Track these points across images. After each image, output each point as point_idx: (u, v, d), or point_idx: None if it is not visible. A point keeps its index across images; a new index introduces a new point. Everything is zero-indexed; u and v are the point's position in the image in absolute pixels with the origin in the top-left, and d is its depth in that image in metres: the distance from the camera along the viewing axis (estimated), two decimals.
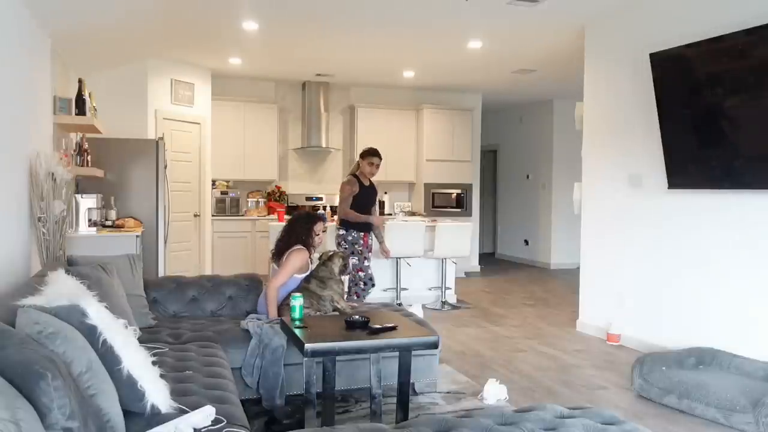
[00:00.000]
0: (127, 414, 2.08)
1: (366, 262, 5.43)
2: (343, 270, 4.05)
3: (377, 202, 5.68)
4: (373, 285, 5.48)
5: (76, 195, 4.85)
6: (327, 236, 6.54)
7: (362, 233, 5.42)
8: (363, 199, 5.41)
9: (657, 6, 5.05)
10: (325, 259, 4.04)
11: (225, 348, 3.40)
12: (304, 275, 4.02)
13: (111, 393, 1.97)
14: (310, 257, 4.08)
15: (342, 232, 5.46)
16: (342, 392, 3.68)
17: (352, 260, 5.23)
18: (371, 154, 5.40)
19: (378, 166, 5.40)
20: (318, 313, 3.81)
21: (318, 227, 4.10)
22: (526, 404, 2.89)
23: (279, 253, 4.06)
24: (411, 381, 3.36)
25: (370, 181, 5.50)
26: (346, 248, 5.39)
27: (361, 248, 5.38)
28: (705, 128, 4.52)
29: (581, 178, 6.05)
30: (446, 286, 7.21)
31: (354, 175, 5.46)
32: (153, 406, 2.15)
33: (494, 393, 3.88)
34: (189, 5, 5.36)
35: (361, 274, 5.39)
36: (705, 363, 4.15)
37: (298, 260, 3.94)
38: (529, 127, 10.99)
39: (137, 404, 2.14)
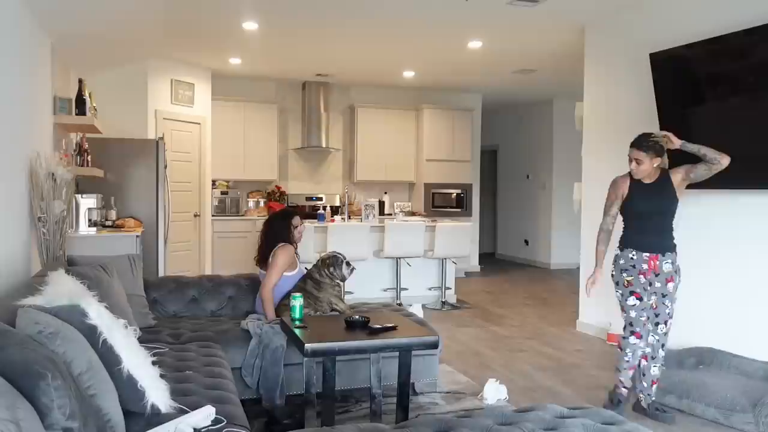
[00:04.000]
0: (127, 414, 2.08)
1: (631, 299, 3.63)
2: (330, 272, 3.92)
3: (664, 208, 3.67)
4: (634, 334, 3.65)
5: (76, 195, 4.85)
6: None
7: (645, 254, 3.64)
8: (639, 202, 3.69)
9: (657, 6, 5.06)
10: (317, 260, 4.05)
11: (225, 348, 3.40)
12: (294, 272, 4.02)
13: (111, 393, 1.97)
14: (295, 252, 4.08)
15: (616, 251, 3.80)
16: (342, 392, 3.69)
17: (616, 293, 3.76)
18: (630, 144, 3.73)
19: (639, 161, 3.63)
20: (317, 313, 3.81)
21: (295, 221, 4.10)
22: (526, 404, 2.89)
23: (263, 257, 4.05)
24: (411, 381, 3.36)
25: (663, 172, 3.71)
26: (612, 274, 3.78)
27: (631, 277, 3.64)
28: (705, 128, 4.51)
29: (581, 178, 6.05)
30: (446, 286, 7.22)
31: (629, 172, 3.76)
32: (153, 406, 2.16)
33: (494, 393, 3.88)
34: (189, 5, 5.36)
35: (623, 314, 3.72)
36: (705, 363, 4.15)
37: (284, 256, 3.92)
38: (529, 127, 10.99)
39: (137, 404, 2.14)
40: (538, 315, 6.71)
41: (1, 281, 3.30)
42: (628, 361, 3.68)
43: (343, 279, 3.97)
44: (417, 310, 5.28)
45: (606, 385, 4.25)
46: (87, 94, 4.97)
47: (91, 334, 2.05)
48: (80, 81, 4.98)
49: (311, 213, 8.10)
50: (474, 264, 9.98)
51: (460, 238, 7.05)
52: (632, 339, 3.66)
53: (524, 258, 11.13)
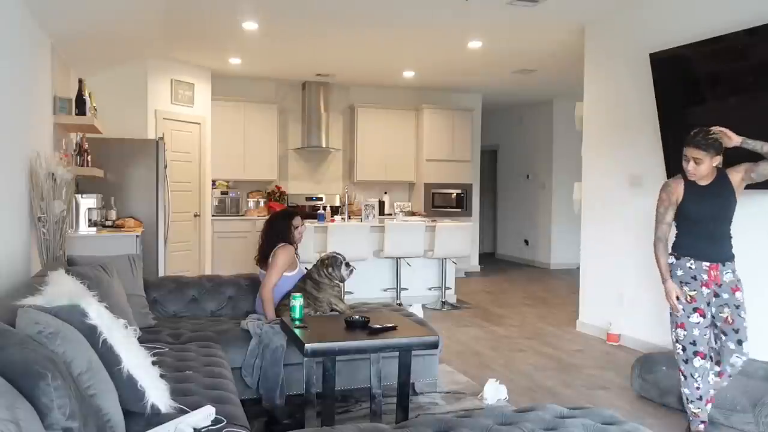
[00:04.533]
0: (127, 414, 2.08)
1: (695, 316, 3.28)
2: (329, 272, 3.89)
3: (720, 211, 3.32)
4: (698, 354, 3.28)
5: (76, 195, 4.84)
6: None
7: (705, 263, 3.29)
8: (695, 206, 3.30)
9: (657, 6, 5.05)
10: (317, 261, 4.05)
11: (225, 348, 3.40)
12: (294, 272, 4.02)
13: (111, 393, 1.97)
14: (295, 252, 4.08)
15: (671, 260, 3.39)
16: (342, 392, 3.69)
17: (679, 305, 3.31)
18: (685, 143, 3.26)
19: (698, 160, 3.18)
20: (317, 313, 3.81)
21: (296, 221, 4.10)
22: (526, 404, 2.89)
23: (263, 257, 4.05)
24: (411, 381, 3.36)
25: (719, 172, 3.29)
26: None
27: (694, 291, 3.29)
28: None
29: (581, 178, 6.05)
30: (446, 286, 7.22)
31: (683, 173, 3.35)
32: (153, 406, 2.16)
33: (494, 393, 3.88)
34: (189, 5, 5.36)
35: (680, 331, 3.32)
36: None
37: (284, 256, 3.93)
38: (529, 127, 10.99)
39: (137, 404, 2.14)
40: (538, 315, 6.71)
41: (1, 281, 3.30)
42: (698, 388, 3.29)
43: (342, 280, 3.94)
44: (417, 310, 5.28)
45: (605, 385, 4.24)
46: (87, 94, 4.97)
47: (91, 334, 2.04)
48: (80, 81, 4.98)
49: (311, 213, 8.10)
50: (474, 264, 9.98)
51: (460, 238, 7.05)
52: (697, 360, 3.27)
53: (524, 258, 11.13)
